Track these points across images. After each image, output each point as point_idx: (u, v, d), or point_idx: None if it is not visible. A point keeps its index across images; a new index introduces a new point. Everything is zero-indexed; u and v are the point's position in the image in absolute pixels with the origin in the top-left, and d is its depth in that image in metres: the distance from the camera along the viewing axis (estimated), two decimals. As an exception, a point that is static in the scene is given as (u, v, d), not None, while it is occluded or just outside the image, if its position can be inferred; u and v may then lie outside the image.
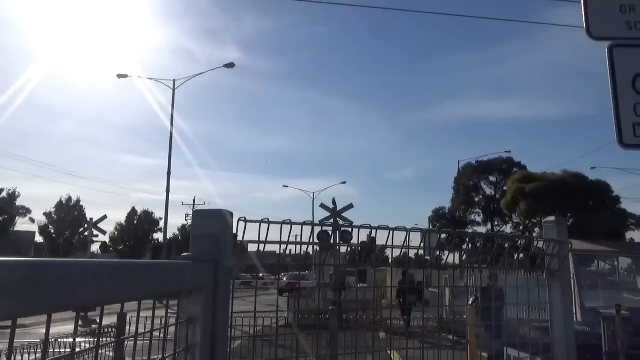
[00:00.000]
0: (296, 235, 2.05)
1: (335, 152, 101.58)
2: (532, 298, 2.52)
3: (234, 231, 1.58)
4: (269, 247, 2.00)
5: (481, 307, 6.42)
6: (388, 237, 2.12)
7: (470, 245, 2.88)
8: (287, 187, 60.25)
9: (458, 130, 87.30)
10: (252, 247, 1.91)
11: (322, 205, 19.45)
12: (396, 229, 2.12)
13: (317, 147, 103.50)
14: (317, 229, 2.15)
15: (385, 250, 2.41)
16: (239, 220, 1.74)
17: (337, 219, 18.21)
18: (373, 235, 2.16)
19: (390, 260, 2.82)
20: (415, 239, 2.30)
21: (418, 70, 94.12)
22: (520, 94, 79.96)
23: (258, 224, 1.88)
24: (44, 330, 0.81)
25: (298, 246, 2.11)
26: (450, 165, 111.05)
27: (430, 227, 42.89)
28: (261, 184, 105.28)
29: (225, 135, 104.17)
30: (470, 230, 33.54)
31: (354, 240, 2.30)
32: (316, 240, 2.20)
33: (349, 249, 2.59)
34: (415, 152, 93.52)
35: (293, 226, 1.96)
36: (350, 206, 19.18)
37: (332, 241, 4.34)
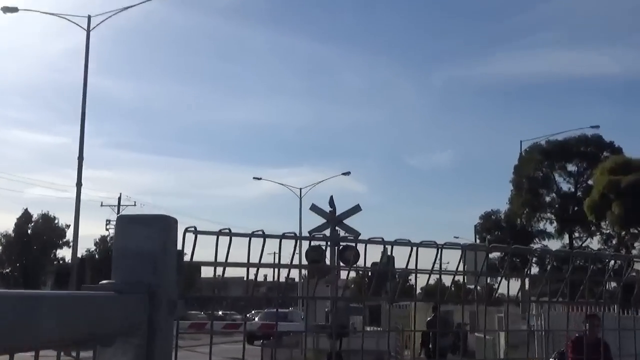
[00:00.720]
0: (274, 253, 2.06)
1: (334, 128, 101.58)
2: (625, 346, 2.56)
3: (180, 247, 1.59)
4: (233, 272, 2.01)
5: None
6: (410, 256, 2.13)
7: (537, 268, 2.91)
8: (260, 179, 59.82)
9: (518, 95, 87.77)
10: (206, 271, 1.92)
11: (314, 208, 19.47)
12: (423, 244, 2.14)
13: (306, 120, 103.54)
14: (307, 244, 2.16)
15: (409, 277, 2.43)
16: (187, 230, 1.74)
17: (337, 228, 18.26)
18: (390, 253, 2.17)
19: (415, 291, 2.85)
20: (454, 259, 2.32)
21: (458, 7, 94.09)
22: (611, 40, 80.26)
23: (215, 237, 1.89)
24: None
25: (277, 270, 2.12)
26: (508, 146, 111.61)
27: (477, 241, 43.11)
28: (222, 175, 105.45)
29: (168, 101, 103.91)
30: (537, 246, 33.69)
31: (361, 261, 2.32)
32: (304, 262, 2.21)
33: (351, 275, 2.61)
34: (453, 127, 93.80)
35: (268, 239, 1.98)
36: (357, 209, 19.24)
37: (328, 262, 4.36)
